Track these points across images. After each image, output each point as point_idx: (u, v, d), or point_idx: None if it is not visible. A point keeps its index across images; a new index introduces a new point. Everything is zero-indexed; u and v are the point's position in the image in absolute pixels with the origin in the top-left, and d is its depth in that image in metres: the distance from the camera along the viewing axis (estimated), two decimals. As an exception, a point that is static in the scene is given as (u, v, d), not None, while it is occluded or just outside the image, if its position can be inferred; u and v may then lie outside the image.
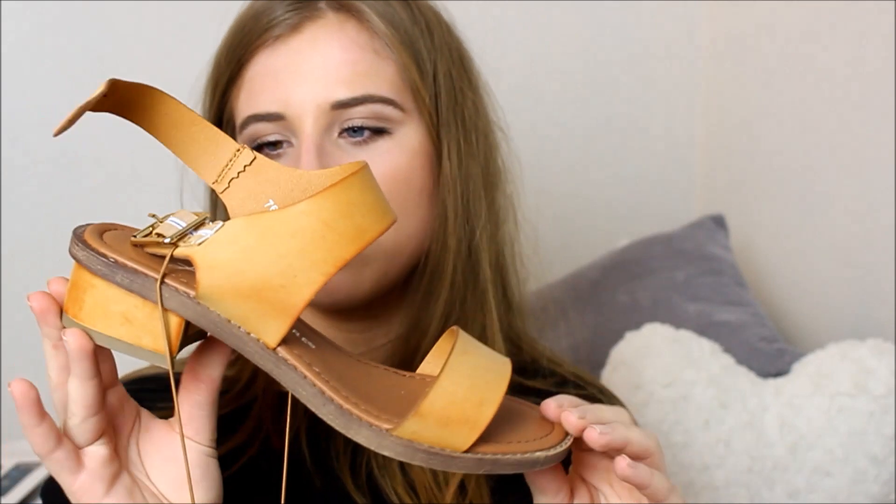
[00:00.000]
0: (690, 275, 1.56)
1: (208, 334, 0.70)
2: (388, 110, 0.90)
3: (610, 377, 1.42)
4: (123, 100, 0.69)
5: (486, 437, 0.66)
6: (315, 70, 0.88)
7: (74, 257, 0.68)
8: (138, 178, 1.66)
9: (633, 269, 1.59)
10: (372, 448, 0.65)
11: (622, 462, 0.71)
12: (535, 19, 1.79)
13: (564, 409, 0.71)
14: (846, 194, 1.55)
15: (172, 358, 0.66)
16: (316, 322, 0.96)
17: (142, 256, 0.67)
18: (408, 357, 0.93)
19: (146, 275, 0.65)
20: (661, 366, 1.41)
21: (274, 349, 0.65)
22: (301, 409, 0.94)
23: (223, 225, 0.65)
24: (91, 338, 0.67)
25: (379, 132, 0.90)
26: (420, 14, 0.94)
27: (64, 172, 1.66)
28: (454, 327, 0.73)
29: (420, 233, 0.92)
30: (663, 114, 1.91)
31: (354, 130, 0.89)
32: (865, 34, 1.50)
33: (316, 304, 0.93)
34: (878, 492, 1.32)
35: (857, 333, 1.43)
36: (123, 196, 1.67)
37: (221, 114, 0.95)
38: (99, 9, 1.62)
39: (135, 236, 0.68)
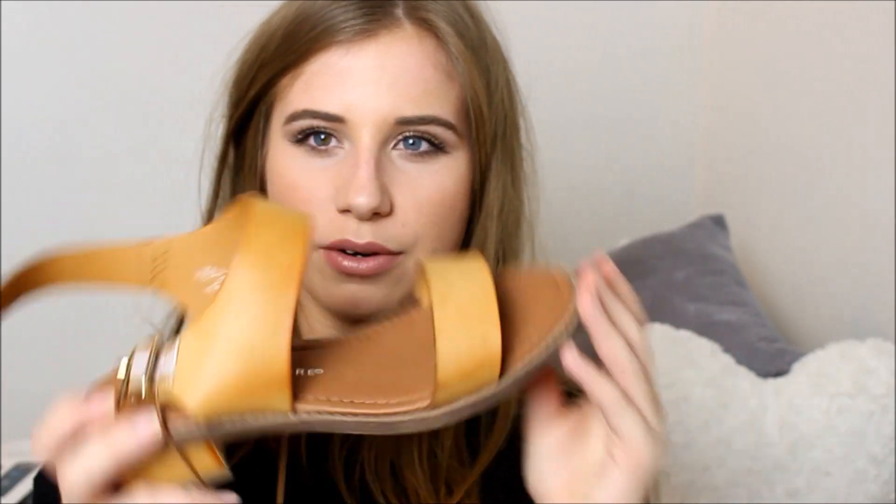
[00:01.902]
0: (690, 275, 1.56)
1: None
2: (447, 135, 0.89)
3: (610, 377, 1.43)
4: (30, 283, 0.72)
5: (508, 348, 0.66)
6: (386, 80, 0.86)
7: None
8: (138, 178, 1.66)
9: (633, 269, 1.59)
10: (425, 431, 0.67)
11: (568, 355, 0.69)
12: (534, 19, 1.79)
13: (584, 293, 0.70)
14: (846, 195, 1.55)
15: (229, 469, 0.68)
16: (324, 326, 0.96)
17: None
18: None
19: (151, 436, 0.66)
20: (661, 366, 1.41)
21: (294, 411, 0.66)
22: None
23: (178, 347, 0.65)
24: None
25: (434, 150, 0.89)
26: (486, 29, 0.93)
27: (64, 172, 1.66)
28: (421, 264, 0.71)
29: (452, 252, 0.92)
30: (664, 114, 1.91)
31: (412, 143, 0.88)
32: (865, 35, 1.50)
33: (336, 312, 0.93)
34: (878, 492, 1.32)
35: (857, 333, 1.43)
36: (124, 196, 1.67)
37: (262, 95, 0.93)
38: (99, 9, 1.62)
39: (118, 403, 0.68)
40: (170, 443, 0.65)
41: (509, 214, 0.93)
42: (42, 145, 1.64)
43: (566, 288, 0.70)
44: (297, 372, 0.68)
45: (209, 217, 0.99)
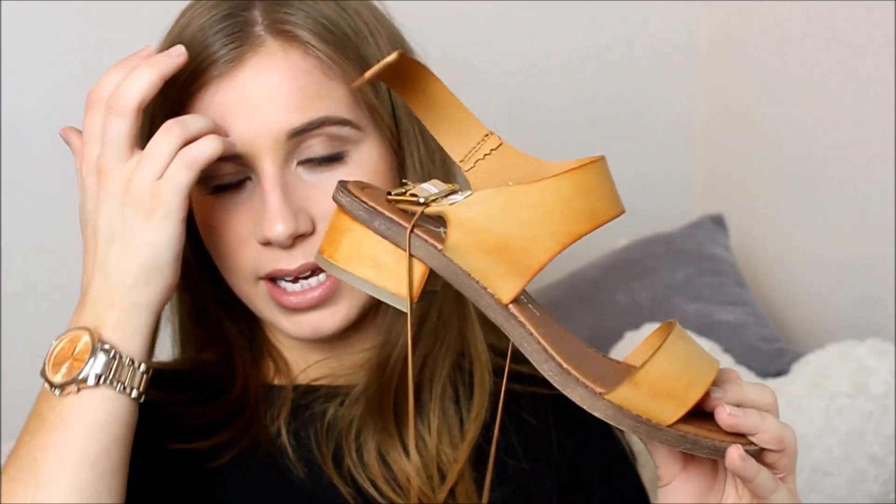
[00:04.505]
0: (690, 275, 1.56)
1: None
2: (345, 131, 0.88)
3: (610, 377, 1.43)
4: (400, 74, 0.74)
5: (685, 419, 0.71)
6: (264, 102, 0.85)
7: (338, 202, 0.75)
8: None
9: (632, 269, 1.59)
10: (585, 407, 0.71)
11: (734, 452, 0.72)
12: (533, 19, 1.79)
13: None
14: (846, 194, 1.55)
15: (412, 304, 0.73)
16: (294, 345, 0.97)
17: (396, 210, 0.74)
18: (382, 362, 0.93)
19: (400, 224, 0.73)
20: (661, 366, 1.41)
21: (506, 305, 0.71)
22: (280, 400, 0.94)
23: (472, 192, 0.72)
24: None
25: (339, 153, 0.88)
26: (358, 16, 0.91)
27: (64, 172, 1.66)
28: (671, 320, 0.76)
29: None
30: (663, 114, 1.91)
31: (314, 151, 0.87)
32: (865, 34, 1.50)
33: (303, 340, 0.93)
34: (878, 492, 1.32)
35: (857, 333, 1.43)
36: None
37: None
38: (100, 8, 1.62)
39: (390, 193, 0.76)
40: (405, 244, 0.72)
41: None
42: (42, 144, 1.64)
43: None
44: (522, 295, 0.73)
45: None
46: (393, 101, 0.91)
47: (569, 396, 0.71)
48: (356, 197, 0.74)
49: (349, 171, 0.88)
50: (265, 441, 0.92)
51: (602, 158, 0.72)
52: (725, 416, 0.72)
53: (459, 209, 0.71)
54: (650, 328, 1.46)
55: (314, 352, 0.96)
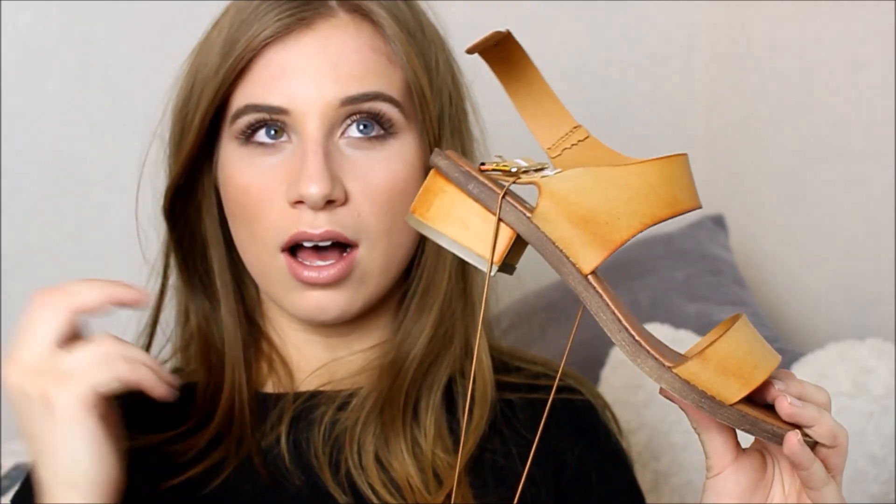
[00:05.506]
0: (690, 275, 1.56)
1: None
2: (394, 113, 0.89)
3: (610, 377, 1.43)
4: (503, 52, 0.77)
5: (746, 404, 0.75)
6: (325, 68, 0.87)
7: (436, 164, 0.77)
8: (139, 179, 1.65)
9: (633, 269, 1.59)
10: (653, 378, 0.74)
11: (793, 437, 0.74)
12: (534, 20, 1.79)
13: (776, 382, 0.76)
14: (846, 194, 1.55)
15: (492, 265, 0.76)
16: (293, 329, 0.96)
17: (489, 178, 0.77)
18: (398, 360, 0.93)
19: (493, 189, 0.76)
20: (661, 366, 1.41)
21: (586, 276, 0.75)
22: (281, 409, 0.94)
23: (563, 170, 0.75)
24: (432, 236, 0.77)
25: (382, 135, 0.89)
26: (425, 18, 0.94)
27: (64, 173, 1.66)
28: (739, 313, 0.79)
29: (411, 245, 0.92)
30: (663, 114, 1.91)
31: (359, 128, 0.89)
32: (866, 34, 1.50)
33: (302, 320, 0.93)
34: (878, 492, 1.32)
35: (857, 333, 1.43)
36: (123, 197, 1.67)
37: (222, 106, 0.92)
38: (101, 9, 1.62)
39: (483, 164, 0.79)
40: (496, 208, 0.75)
41: None
42: (42, 146, 1.64)
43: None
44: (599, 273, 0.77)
45: (166, 261, 0.99)
46: (441, 102, 0.92)
47: (638, 367, 0.74)
48: (453, 160, 0.77)
49: (387, 156, 0.89)
50: (259, 453, 0.92)
51: (685, 155, 0.78)
52: (786, 405, 0.74)
53: (551, 181, 0.74)
54: (650, 328, 1.46)
55: (314, 348, 0.96)
